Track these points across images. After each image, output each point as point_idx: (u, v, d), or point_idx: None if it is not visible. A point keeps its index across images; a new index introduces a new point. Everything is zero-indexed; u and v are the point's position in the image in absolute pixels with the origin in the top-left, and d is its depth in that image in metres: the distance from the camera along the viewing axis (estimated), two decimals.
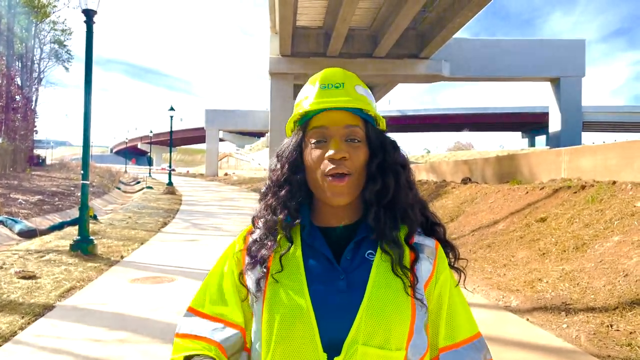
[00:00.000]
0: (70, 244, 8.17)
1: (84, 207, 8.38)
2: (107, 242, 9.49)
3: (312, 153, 1.06)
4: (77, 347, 4.12)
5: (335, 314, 0.98)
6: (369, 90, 1.14)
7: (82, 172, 8.59)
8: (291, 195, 1.08)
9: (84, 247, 8.01)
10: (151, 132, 62.88)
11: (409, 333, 0.99)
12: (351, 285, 1.00)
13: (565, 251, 6.61)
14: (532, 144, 77.48)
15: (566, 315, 4.93)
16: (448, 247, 1.13)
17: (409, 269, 1.02)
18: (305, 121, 1.10)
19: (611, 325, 4.51)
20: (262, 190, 1.16)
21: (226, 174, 58.45)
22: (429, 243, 1.09)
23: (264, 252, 1.06)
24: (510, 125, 76.80)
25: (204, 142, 63.69)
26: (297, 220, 1.07)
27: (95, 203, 17.85)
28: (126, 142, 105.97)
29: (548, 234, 7.43)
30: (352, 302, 0.99)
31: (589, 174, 9.60)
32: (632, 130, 66.14)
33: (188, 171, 79.76)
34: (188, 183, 40.03)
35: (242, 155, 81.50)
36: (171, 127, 30.64)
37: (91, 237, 8.38)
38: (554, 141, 33.74)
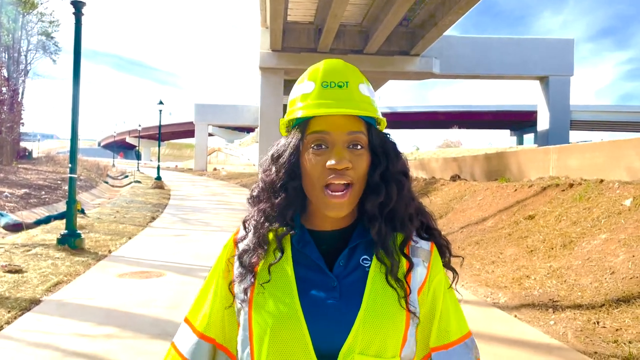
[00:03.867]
0: (57, 238, 8.10)
1: (71, 200, 8.31)
2: (95, 236, 9.41)
3: (311, 159, 0.98)
4: (64, 342, 4.09)
5: (328, 321, 0.94)
6: (372, 88, 1.06)
7: (69, 165, 8.53)
8: (287, 203, 1.01)
9: (71, 241, 7.94)
10: (139, 125, 62.41)
11: (402, 340, 0.98)
12: (344, 292, 0.96)
13: (552, 249, 6.67)
14: (520, 142, 78.00)
15: (553, 312, 4.98)
16: (444, 248, 1.09)
17: (403, 280, 0.99)
18: (303, 121, 1.01)
19: (598, 322, 4.56)
20: (253, 194, 1.08)
21: (215, 169, 58.15)
22: (425, 245, 1.06)
23: (253, 261, 1.01)
24: (499, 123, 77.22)
25: (193, 136, 63.23)
26: (292, 232, 1.01)
27: (82, 197, 17.68)
28: (114, 136, 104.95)
29: (536, 232, 7.49)
30: (346, 310, 0.95)
31: (577, 172, 9.68)
32: (619, 130, 66.77)
33: (177, 166, 79.16)
34: (177, 177, 39.81)
35: (232, 150, 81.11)
36: (160, 122, 30.41)
37: (78, 231, 8.31)
38: (543, 139, 34.02)
